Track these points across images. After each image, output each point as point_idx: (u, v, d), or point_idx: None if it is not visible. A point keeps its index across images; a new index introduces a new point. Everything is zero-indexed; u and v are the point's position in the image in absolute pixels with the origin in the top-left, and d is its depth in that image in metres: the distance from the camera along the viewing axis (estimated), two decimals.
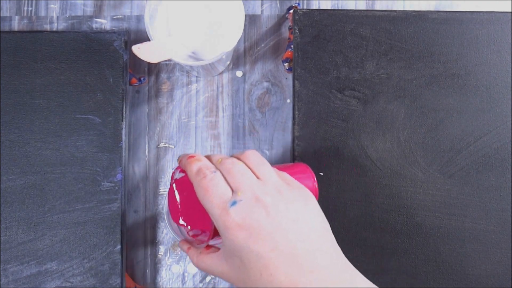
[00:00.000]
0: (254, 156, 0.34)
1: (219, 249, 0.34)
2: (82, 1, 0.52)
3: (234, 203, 0.31)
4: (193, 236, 0.35)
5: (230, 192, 0.31)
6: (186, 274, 0.49)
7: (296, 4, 0.50)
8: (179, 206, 0.36)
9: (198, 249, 0.35)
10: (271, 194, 0.31)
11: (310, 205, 0.32)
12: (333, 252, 0.31)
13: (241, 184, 0.32)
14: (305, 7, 0.52)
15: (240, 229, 0.30)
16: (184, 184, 0.35)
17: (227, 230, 0.30)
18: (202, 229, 0.35)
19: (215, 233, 0.33)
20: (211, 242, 0.35)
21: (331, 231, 0.32)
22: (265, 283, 0.29)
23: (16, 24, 0.51)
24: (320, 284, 0.29)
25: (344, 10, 0.47)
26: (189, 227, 0.35)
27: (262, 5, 0.52)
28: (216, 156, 0.35)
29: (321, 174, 0.45)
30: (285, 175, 0.34)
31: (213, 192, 0.31)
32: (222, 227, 0.31)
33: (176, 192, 0.36)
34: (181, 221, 0.35)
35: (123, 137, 0.45)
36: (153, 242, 0.49)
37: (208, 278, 0.49)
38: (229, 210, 0.30)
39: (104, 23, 0.51)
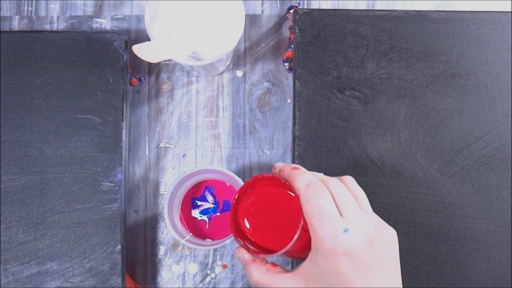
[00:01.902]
0: (355, 185, 0.35)
1: (287, 271, 0.34)
2: (82, 1, 0.51)
3: (346, 230, 0.31)
4: (252, 252, 0.34)
5: (340, 216, 0.32)
6: (186, 274, 0.49)
7: (296, 4, 0.50)
8: (250, 218, 0.35)
9: (264, 264, 0.34)
10: (374, 230, 0.32)
11: (396, 249, 0.34)
12: None
13: (351, 212, 0.32)
14: (305, 7, 0.52)
15: (345, 256, 0.30)
16: (261, 196, 0.35)
17: (331, 254, 0.30)
18: (267, 247, 0.34)
19: (287, 251, 0.33)
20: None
21: (401, 275, 0.34)
22: None
23: (16, 24, 0.51)
24: None
25: (344, 10, 0.47)
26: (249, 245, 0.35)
27: (262, 5, 0.52)
28: (317, 173, 0.35)
29: (321, 174, 0.45)
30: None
31: (325, 212, 0.31)
32: (328, 250, 0.30)
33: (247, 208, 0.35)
34: (246, 233, 0.35)
35: (123, 137, 0.45)
36: (153, 242, 0.49)
37: (208, 278, 0.49)
38: (341, 236, 0.31)
39: (104, 23, 0.51)
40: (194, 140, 0.51)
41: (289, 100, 0.51)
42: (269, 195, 0.35)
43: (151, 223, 0.50)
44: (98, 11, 0.51)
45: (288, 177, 0.34)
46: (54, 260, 0.44)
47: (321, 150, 0.45)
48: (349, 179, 0.35)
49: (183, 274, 0.49)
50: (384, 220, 0.44)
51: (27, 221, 0.44)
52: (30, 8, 0.51)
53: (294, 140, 0.45)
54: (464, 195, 0.45)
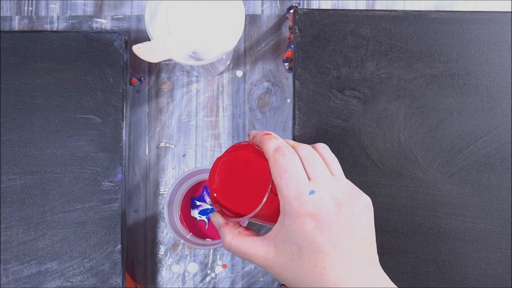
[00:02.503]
0: (328, 151, 0.35)
1: (259, 234, 0.34)
2: (83, 1, 0.52)
3: (312, 192, 0.31)
4: (227, 216, 0.35)
5: (307, 179, 0.32)
6: (186, 274, 0.49)
7: (296, 4, 0.50)
8: (220, 182, 0.36)
9: (236, 228, 0.35)
10: (343, 193, 0.32)
11: (369, 215, 0.33)
12: (375, 261, 0.33)
13: (319, 175, 0.32)
14: (305, 7, 0.52)
15: (311, 218, 0.31)
16: (235, 162, 0.36)
17: (297, 216, 0.31)
18: (239, 211, 0.34)
19: (258, 214, 0.33)
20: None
21: (375, 243, 0.34)
22: (316, 275, 0.31)
23: (16, 24, 0.51)
24: (362, 285, 0.31)
25: (344, 10, 0.47)
26: (219, 207, 0.35)
27: (262, 5, 0.52)
28: (289, 140, 0.35)
29: (295, 141, 0.45)
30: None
31: (292, 174, 0.31)
32: (293, 212, 0.31)
33: (221, 169, 0.36)
34: (217, 197, 0.35)
35: (124, 137, 0.45)
36: (154, 241, 0.49)
37: (208, 278, 0.49)
38: (306, 197, 0.31)
39: (105, 23, 0.51)
40: (194, 140, 0.51)
41: (289, 100, 0.51)
42: (243, 161, 0.36)
43: (151, 223, 0.50)
44: (98, 11, 0.52)
45: (260, 143, 0.34)
46: (54, 260, 0.44)
47: None
48: (321, 146, 0.35)
49: (183, 273, 0.49)
50: (384, 220, 0.44)
51: (27, 220, 0.44)
52: (30, 8, 0.51)
53: (294, 140, 0.45)
54: (463, 195, 0.45)
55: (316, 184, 0.32)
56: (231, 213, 0.35)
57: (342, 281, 0.30)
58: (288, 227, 0.31)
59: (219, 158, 0.36)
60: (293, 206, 0.31)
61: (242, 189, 0.35)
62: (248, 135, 0.37)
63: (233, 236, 0.34)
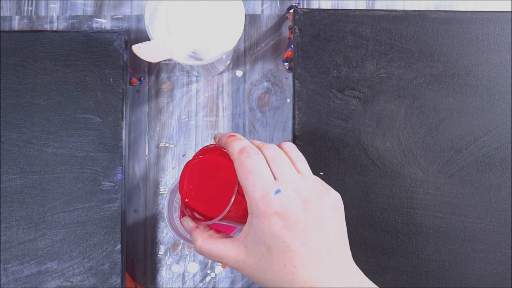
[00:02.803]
0: (294, 150, 0.35)
1: (230, 236, 0.34)
2: (82, 1, 0.52)
3: (278, 191, 0.31)
4: (198, 220, 0.35)
5: (273, 178, 0.32)
6: (186, 273, 0.49)
7: (296, 4, 0.50)
8: (190, 186, 0.36)
9: (206, 231, 0.35)
10: (310, 191, 0.32)
11: (339, 211, 0.33)
12: (348, 256, 0.33)
13: (285, 174, 0.32)
14: (305, 7, 0.52)
15: (278, 217, 0.31)
16: (204, 165, 0.36)
17: (264, 216, 0.31)
18: (209, 215, 0.34)
19: (228, 217, 0.33)
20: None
21: (347, 238, 0.34)
22: (287, 274, 0.31)
23: (16, 24, 0.51)
24: (335, 284, 0.30)
25: (344, 9, 0.47)
26: (190, 211, 0.35)
27: (262, 4, 0.52)
28: (255, 141, 0.35)
29: (321, 173, 0.45)
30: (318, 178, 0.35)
31: (257, 175, 0.31)
32: (260, 212, 0.31)
33: (191, 172, 0.36)
34: (188, 202, 0.36)
35: (123, 136, 0.45)
36: (153, 241, 0.49)
37: (208, 278, 0.49)
38: (272, 197, 0.31)
39: (104, 22, 0.51)
40: (194, 139, 0.51)
41: (288, 100, 0.51)
42: (211, 164, 0.36)
43: (151, 223, 0.50)
44: (98, 11, 0.52)
45: (225, 145, 0.34)
46: (54, 260, 0.44)
47: (321, 149, 0.45)
48: (288, 144, 0.35)
49: (183, 273, 0.49)
50: (384, 220, 0.44)
51: (27, 220, 0.44)
52: (30, 8, 0.51)
53: (294, 140, 0.45)
54: (463, 194, 0.45)
55: (282, 183, 0.31)
56: (203, 217, 0.35)
57: (313, 279, 0.30)
58: (256, 227, 0.31)
59: (188, 162, 0.36)
60: (260, 206, 0.31)
61: (211, 192, 0.35)
62: (214, 138, 0.37)
63: (204, 239, 0.34)
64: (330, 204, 0.33)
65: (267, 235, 0.31)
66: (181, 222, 0.37)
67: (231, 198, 0.33)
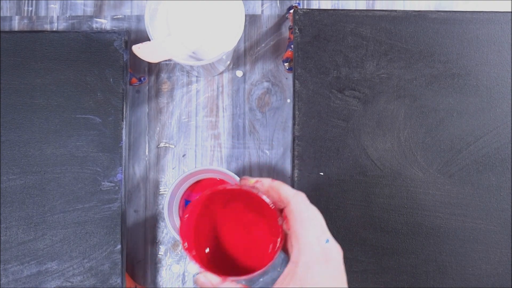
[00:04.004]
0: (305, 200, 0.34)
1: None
2: (82, 1, 0.52)
3: (327, 240, 0.32)
4: (223, 276, 0.32)
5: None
6: (186, 274, 0.49)
7: (296, 4, 0.50)
8: (206, 239, 0.35)
9: (235, 285, 0.33)
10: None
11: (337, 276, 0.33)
12: None
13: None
14: (305, 7, 0.52)
15: (325, 265, 0.31)
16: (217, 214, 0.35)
17: (315, 262, 0.31)
18: (241, 270, 0.34)
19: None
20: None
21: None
22: None
23: (16, 24, 0.51)
24: None
25: (344, 10, 0.47)
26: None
27: (262, 5, 0.52)
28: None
29: (321, 174, 0.45)
30: None
31: (316, 221, 0.32)
32: (311, 257, 0.31)
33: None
34: (207, 255, 0.34)
35: (123, 137, 0.45)
36: (153, 242, 0.49)
37: None
38: (325, 245, 0.32)
39: (104, 23, 0.51)
40: (194, 140, 0.51)
41: (289, 100, 0.51)
42: (237, 212, 0.35)
43: (151, 223, 0.50)
44: (98, 11, 0.52)
45: (271, 188, 0.34)
46: (54, 260, 0.44)
47: (321, 150, 0.45)
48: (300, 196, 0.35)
49: (183, 274, 0.49)
50: (384, 220, 0.45)
51: (27, 220, 0.44)
52: (30, 8, 0.51)
53: (294, 140, 0.45)
54: (463, 195, 0.45)
55: (329, 234, 0.32)
56: (221, 273, 0.32)
57: None
58: (302, 275, 0.31)
59: (192, 208, 0.34)
60: (313, 252, 0.31)
61: (241, 243, 0.34)
62: (244, 179, 0.35)
63: None
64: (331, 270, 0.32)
65: (313, 282, 0.31)
66: (196, 279, 0.33)
67: (273, 247, 0.32)
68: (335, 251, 0.32)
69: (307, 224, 0.32)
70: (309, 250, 0.31)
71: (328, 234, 0.32)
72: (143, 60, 0.50)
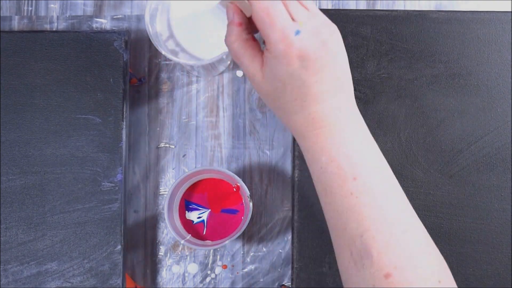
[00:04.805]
0: None
1: (261, 51, 0.34)
2: (82, 1, 0.51)
3: (298, 32, 0.31)
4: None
5: (291, 19, 0.32)
6: (186, 274, 0.49)
7: None
8: None
9: (246, 33, 0.34)
10: (324, 27, 0.32)
11: (342, 45, 0.34)
12: (352, 93, 0.35)
13: (301, 14, 0.32)
14: None
15: (297, 58, 0.31)
16: None
17: (284, 57, 0.31)
18: None
19: None
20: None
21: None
22: (296, 107, 0.33)
23: (16, 24, 0.51)
24: (341, 122, 0.33)
25: (344, 10, 0.47)
26: None
27: None
28: None
29: None
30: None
31: (276, 16, 0.31)
32: (281, 53, 0.31)
33: None
34: None
35: (123, 137, 0.45)
36: (153, 242, 0.49)
37: (208, 279, 0.49)
38: (293, 38, 0.31)
39: (104, 23, 0.51)
40: (194, 140, 0.51)
41: None
42: None
43: (151, 223, 0.50)
44: (98, 11, 0.51)
45: None
46: (54, 261, 0.44)
47: None
48: None
49: (183, 274, 0.49)
50: None
51: (27, 221, 0.44)
52: (30, 8, 0.51)
53: (294, 140, 0.45)
54: (464, 195, 0.45)
55: (300, 24, 0.31)
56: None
57: (320, 115, 0.32)
58: (274, 66, 0.32)
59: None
60: (280, 47, 0.31)
61: None
62: None
63: (240, 40, 0.34)
64: (339, 38, 0.33)
65: (285, 74, 0.32)
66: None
67: None
68: (311, 42, 0.31)
69: (267, 22, 0.31)
70: (274, 46, 0.31)
71: (297, 25, 0.31)
72: (143, 60, 0.50)
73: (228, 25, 0.35)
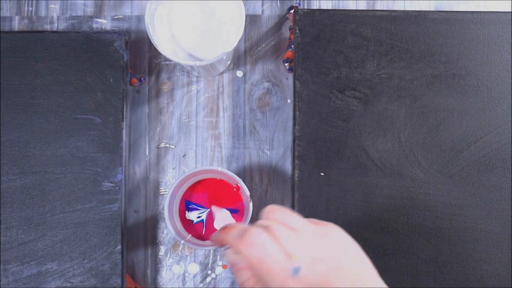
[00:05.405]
0: (277, 211, 0.32)
1: None
2: (83, 1, 0.51)
3: (296, 270, 0.28)
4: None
5: (285, 257, 0.29)
6: (186, 274, 0.49)
7: (296, 4, 0.50)
8: None
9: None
10: (319, 245, 0.30)
11: (346, 238, 0.31)
12: (377, 279, 0.31)
13: (291, 246, 0.29)
14: (305, 7, 0.52)
15: None
16: None
17: None
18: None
19: None
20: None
21: (366, 256, 0.32)
22: None
23: (16, 24, 0.51)
24: None
25: (344, 10, 0.47)
26: None
27: (262, 5, 0.52)
28: (236, 225, 0.33)
29: (322, 174, 0.45)
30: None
31: (270, 260, 0.29)
32: None
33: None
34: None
35: (124, 137, 0.45)
36: (154, 242, 0.49)
37: (208, 279, 0.49)
38: (292, 282, 0.29)
39: (105, 23, 0.51)
40: (194, 140, 0.51)
41: (289, 100, 0.51)
42: None
43: (151, 223, 0.50)
44: (98, 11, 0.51)
45: (221, 241, 0.32)
46: (54, 261, 0.44)
47: (321, 150, 0.45)
48: (268, 210, 0.32)
49: (183, 274, 0.49)
50: (384, 221, 0.44)
51: (27, 221, 0.44)
52: (30, 8, 0.51)
53: (294, 140, 0.45)
54: (464, 195, 0.45)
55: (295, 259, 0.29)
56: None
57: None
58: None
59: None
60: None
61: None
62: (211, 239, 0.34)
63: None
64: (336, 240, 0.31)
65: None
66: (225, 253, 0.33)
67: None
68: (312, 275, 0.28)
69: (264, 270, 0.29)
70: None
71: (293, 263, 0.29)
72: (143, 60, 0.50)
73: (239, 270, 0.32)
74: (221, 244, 0.33)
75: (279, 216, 0.31)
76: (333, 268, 0.29)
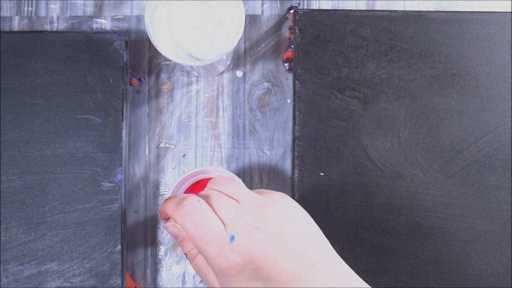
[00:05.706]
0: (221, 181, 0.32)
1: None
2: (83, 1, 0.51)
3: (232, 238, 0.28)
4: None
5: (222, 225, 0.29)
6: (186, 274, 0.49)
7: (296, 4, 0.50)
8: None
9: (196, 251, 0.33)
10: (259, 214, 0.29)
11: (293, 207, 0.31)
12: (331, 257, 0.30)
13: (227, 213, 0.29)
14: (305, 7, 0.52)
15: (242, 268, 0.28)
16: None
17: (229, 274, 0.28)
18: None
19: None
20: None
21: (317, 227, 0.31)
22: None
23: (16, 24, 0.51)
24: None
25: (344, 10, 0.47)
26: None
27: (262, 5, 0.52)
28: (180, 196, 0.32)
29: (322, 174, 0.45)
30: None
31: (205, 227, 0.28)
32: (223, 268, 0.28)
33: None
34: None
35: (124, 137, 0.45)
36: (154, 242, 0.49)
37: None
38: (228, 250, 0.28)
39: (105, 23, 0.51)
40: (194, 140, 0.51)
41: (289, 101, 0.51)
42: None
43: (151, 223, 0.50)
44: (98, 11, 0.51)
45: (165, 212, 0.32)
46: (54, 260, 0.44)
47: (321, 150, 0.45)
48: (213, 182, 0.32)
49: (183, 274, 0.49)
50: (384, 221, 0.44)
51: (27, 221, 0.44)
52: (30, 8, 0.51)
53: (294, 140, 0.45)
54: (464, 195, 0.45)
55: (231, 226, 0.28)
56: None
57: None
58: (226, 282, 0.29)
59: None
60: (221, 264, 0.28)
61: None
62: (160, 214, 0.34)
63: (195, 260, 0.32)
64: (282, 209, 0.30)
65: (241, 285, 0.28)
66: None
67: None
68: (248, 243, 0.28)
69: (198, 239, 0.28)
70: (215, 264, 0.28)
71: (229, 231, 0.28)
72: (143, 60, 0.50)
73: (182, 241, 0.32)
74: (167, 217, 0.33)
75: (222, 186, 0.31)
76: (273, 236, 0.28)
